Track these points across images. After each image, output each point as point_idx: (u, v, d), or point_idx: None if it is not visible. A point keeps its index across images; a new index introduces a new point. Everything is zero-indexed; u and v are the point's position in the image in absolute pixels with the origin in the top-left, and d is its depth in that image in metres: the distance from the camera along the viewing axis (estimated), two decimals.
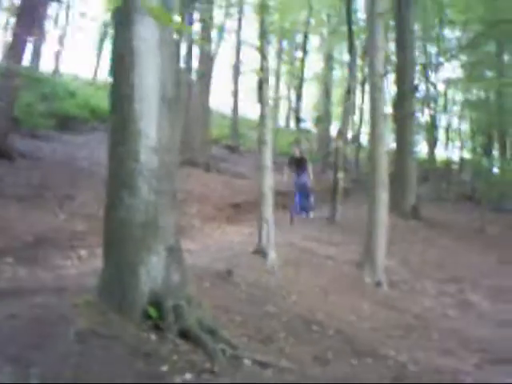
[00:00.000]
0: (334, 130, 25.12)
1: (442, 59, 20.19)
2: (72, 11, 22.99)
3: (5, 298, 4.13)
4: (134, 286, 3.62)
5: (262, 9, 7.45)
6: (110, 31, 23.21)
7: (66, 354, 3.05)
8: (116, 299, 3.62)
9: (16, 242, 7.00)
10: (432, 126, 21.77)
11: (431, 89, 20.85)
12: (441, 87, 22.49)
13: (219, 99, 28.51)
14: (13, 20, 13.48)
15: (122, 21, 3.81)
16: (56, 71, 21.01)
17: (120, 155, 3.72)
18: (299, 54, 24.23)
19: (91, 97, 18.97)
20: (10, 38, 11.91)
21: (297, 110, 23.39)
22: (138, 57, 3.73)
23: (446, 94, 22.91)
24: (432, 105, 21.75)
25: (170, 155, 3.93)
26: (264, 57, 7.36)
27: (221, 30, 20.99)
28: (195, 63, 17.80)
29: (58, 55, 21.55)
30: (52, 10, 18.48)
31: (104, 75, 26.07)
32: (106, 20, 24.27)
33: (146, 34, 3.78)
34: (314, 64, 28.00)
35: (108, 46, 25.20)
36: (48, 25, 19.85)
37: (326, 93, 25.09)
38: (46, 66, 21.86)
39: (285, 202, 12.44)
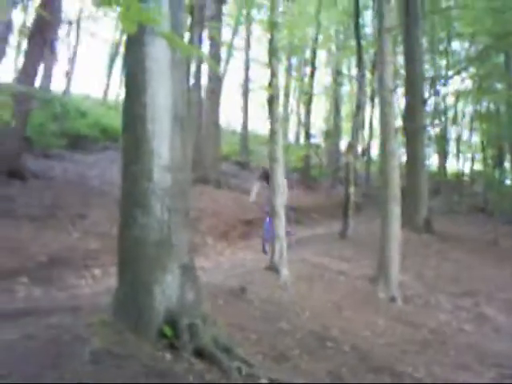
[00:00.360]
0: (343, 144, 25.17)
1: (450, 72, 20.21)
2: (82, 32, 23.27)
3: (21, 317, 4.16)
4: (149, 305, 3.62)
5: (271, 26, 7.51)
6: (120, 51, 23.50)
7: (81, 373, 3.05)
8: (131, 318, 3.62)
9: (30, 261, 7.03)
10: (442, 139, 21.74)
11: (441, 102, 20.87)
12: (450, 100, 22.51)
13: (229, 116, 28.66)
14: (24, 42, 13.68)
15: (134, 41, 3.86)
16: (67, 91, 21.24)
17: (133, 174, 3.75)
18: (308, 69, 24.34)
19: (102, 116, 19.14)
20: (22, 60, 12.07)
21: (306, 126, 23.44)
22: (150, 77, 3.78)
23: (455, 107, 22.89)
24: (442, 117, 21.74)
25: (183, 173, 3.95)
26: (274, 74, 7.40)
27: (229, 47, 21.17)
28: (204, 81, 17.95)
29: (68, 75, 21.79)
30: (62, 30, 18.69)
31: (114, 95, 26.31)
32: (116, 40, 24.56)
33: (158, 54, 3.83)
34: (323, 79, 28.14)
35: (118, 66, 25.49)
36: (58, 45, 20.08)
37: (335, 107, 25.17)
38: (56, 86, 22.15)
39: None
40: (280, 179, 7.39)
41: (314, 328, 5.33)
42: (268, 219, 9.34)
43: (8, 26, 15.95)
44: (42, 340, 3.36)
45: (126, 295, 3.72)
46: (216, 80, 17.99)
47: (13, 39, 17.69)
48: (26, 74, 11.10)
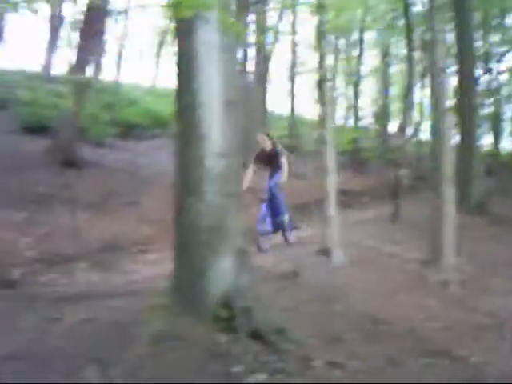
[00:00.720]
0: (393, 126, 24.72)
1: (504, 48, 19.53)
2: (131, 21, 23.57)
3: (81, 301, 4.32)
4: (204, 288, 3.70)
5: (319, 9, 7.44)
6: (168, 39, 23.69)
7: (142, 355, 3.16)
8: (187, 302, 3.72)
9: (87, 247, 7.25)
10: (496, 118, 21.07)
11: (494, 79, 20.22)
12: (505, 77, 21.73)
13: (276, 99, 28.50)
14: (74, 33, 13.96)
15: (184, 28, 3.91)
16: (117, 81, 21.62)
17: (186, 161, 3.82)
18: (356, 50, 23.95)
19: (152, 105, 19.38)
20: (73, 52, 12.39)
21: (355, 108, 23.13)
22: (201, 63, 3.82)
23: (510, 84, 22.08)
24: (495, 96, 21.05)
25: (234, 158, 4.00)
26: (322, 56, 7.35)
27: (275, 31, 21.04)
28: (250, 66, 17.93)
29: (118, 65, 22.19)
30: (111, 20, 18.93)
31: (163, 83, 26.54)
32: (164, 28, 24.71)
33: (208, 40, 3.87)
34: (371, 60, 27.64)
35: (166, 54, 25.69)
36: (108, 35, 20.41)
37: (384, 89, 24.71)
38: (106, 75, 22.54)
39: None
40: (331, 162, 7.34)
41: (367, 311, 5.31)
42: (264, 208, 8.12)
43: (58, 19, 16.35)
44: (105, 323, 3.50)
45: (181, 279, 3.82)
46: (262, 63, 17.96)
47: (63, 31, 18.11)
48: (79, 64, 11.38)
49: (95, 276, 6.23)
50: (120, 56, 22.84)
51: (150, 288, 4.60)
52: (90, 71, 12.83)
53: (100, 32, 12.90)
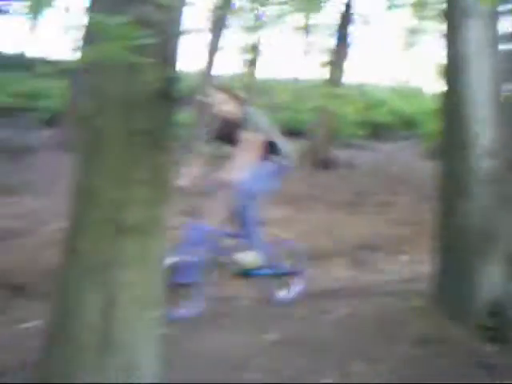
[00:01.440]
0: None
1: None
2: (374, 24, 23.51)
3: (344, 296, 4.51)
4: (470, 294, 3.57)
5: None
6: (416, 39, 23.14)
7: (406, 355, 3.18)
8: (450, 306, 3.63)
9: (342, 245, 7.45)
10: None
11: None
12: None
13: None
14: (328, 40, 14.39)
15: (453, 26, 3.82)
16: (362, 82, 21.80)
17: (454, 161, 3.74)
18: None
19: (398, 105, 19.11)
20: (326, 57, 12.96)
21: None
22: (470, 60, 3.71)
23: None
24: None
25: (504, 158, 3.79)
26: None
27: None
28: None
29: (361, 66, 22.41)
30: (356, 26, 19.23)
31: (407, 83, 25.92)
32: (413, 27, 24.16)
33: (477, 36, 3.74)
34: None
35: (415, 53, 25.06)
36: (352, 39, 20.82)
37: None
38: (350, 76, 22.84)
39: None
40: None
41: None
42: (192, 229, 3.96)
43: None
44: (367, 319, 3.60)
45: (445, 283, 3.74)
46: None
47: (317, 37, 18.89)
48: (333, 68, 11.89)
49: (351, 273, 6.41)
50: (363, 57, 22.99)
51: (408, 289, 4.59)
52: (339, 73, 13.16)
53: (346, 36, 13.23)
